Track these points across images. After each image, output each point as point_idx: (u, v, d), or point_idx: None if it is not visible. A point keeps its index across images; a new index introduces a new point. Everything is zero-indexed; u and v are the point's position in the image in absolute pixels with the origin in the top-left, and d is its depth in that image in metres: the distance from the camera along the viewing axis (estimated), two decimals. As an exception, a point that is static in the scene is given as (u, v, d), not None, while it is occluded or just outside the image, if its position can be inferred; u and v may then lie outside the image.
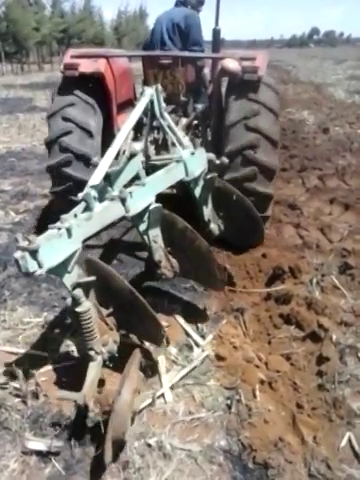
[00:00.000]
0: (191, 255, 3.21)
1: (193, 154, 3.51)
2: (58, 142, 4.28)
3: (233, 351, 3.07)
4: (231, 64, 3.98)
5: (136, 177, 3.23)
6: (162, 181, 3.23)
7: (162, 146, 4.55)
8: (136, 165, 3.77)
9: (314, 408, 2.76)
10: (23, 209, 5.82)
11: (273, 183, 4.26)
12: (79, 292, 2.41)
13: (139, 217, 3.00)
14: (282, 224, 5.07)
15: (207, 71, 5.04)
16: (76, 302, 2.38)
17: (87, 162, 4.20)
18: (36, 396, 2.77)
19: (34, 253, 2.22)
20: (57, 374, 2.97)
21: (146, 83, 4.80)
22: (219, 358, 3.06)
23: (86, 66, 4.26)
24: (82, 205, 2.77)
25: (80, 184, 4.02)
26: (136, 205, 2.90)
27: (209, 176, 3.63)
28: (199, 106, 4.89)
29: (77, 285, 2.45)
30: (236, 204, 3.71)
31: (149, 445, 2.45)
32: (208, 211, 3.83)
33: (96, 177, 2.96)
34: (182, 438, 2.52)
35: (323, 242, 4.68)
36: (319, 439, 2.54)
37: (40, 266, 2.25)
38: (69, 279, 2.48)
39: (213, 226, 3.92)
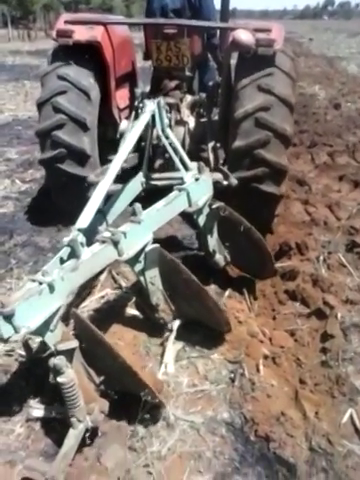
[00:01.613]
0: (191, 301, 2.89)
1: (197, 180, 3.12)
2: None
3: (237, 325, 3.07)
4: (244, 36, 3.52)
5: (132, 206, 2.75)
6: (161, 216, 2.85)
7: (164, 164, 4.13)
8: (135, 189, 3.56)
9: (317, 384, 2.78)
10: (29, 178, 5.79)
11: (284, 183, 3.92)
12: (61, 360, 2.11)
13: (134, 258, 2.65)
14: (290, 200, 5.02)
15: (217, 42, 4.69)
16: (57, 372, 2.11)
17: (83, 126, 3.88)
18: (40, 363, 2.79)
19: (9, 318, 1.94)
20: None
21: (148, 55, 4.49)
22: (223, 332, 3.06)
23: (81, 33, 3.80)
24: (67, 250, 2.44)
25: (73, 153, 3.90)
26: (130, 247, 2.55)
27: (215, 206, 3.21)
28: (209, 82, 4.58)
29: (59, 353, 2.17)
30: (244, 235, 3.26)
31: (151, 416, 2.48)
32: (213, 241, 3.40)
33: (85, 216, 2.61)
34: (185, 409, 2.54)
35: (331, 219, 4.64)
36: (321, 415, 2.56)
37: (16, 331, 1.99)
38: (52, 339, 2.22)
39: (218, 257, 3.49)
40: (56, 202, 4.32)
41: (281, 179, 3.82)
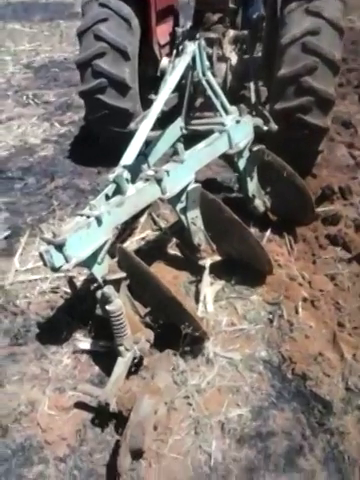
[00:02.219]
0: (234, 241, 2.90)
1: (238, 122, 3.07)
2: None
3: (277, 268, 3.07)
4: None
5: (174, 146, 2.78)
6: (202, 156, 2.88)
7: (204, 108, 3.94)
8: (174, 133, 3.47)
9: (355, 327, 2.78)
10: (68, 121, 5.78)
11: (330, 116, 3.73)
12: (109, 289, 2.22)
13: (177, 198, 2.70)
14: (334, 143, 4.82)
15: None
16: (106, 300, 2.22)
17: (124, 55, 3.84)
18: (84, 300, 2.91)
19: (60, 247, 2.04)
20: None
21: None
22: (262, 275, 3.08)
23: None
24: (112, 187, 2.51)
25: (113, 83, 3.86)
26: (173, 186, 2.60)
27: (256, 148, 3.17)
28: (253, 15, 4.33)
29: (107, 282, 2.29)
30: (286, 181, 3.20)
31: (192, 351, 2.57)
32: (253, 186, 3.35)
33: (129, 154, 2.65)
34: (224, 347, 2.62)
35: (377, 163, 4.44)
36: (358, 356, 2.59)
37: (67, 261, 2.08)
38: (100, 271, 2.32)
39: (258, 202, 3.42)
40: (96, 136, 4.32)
41: (328, 110, 3.63)
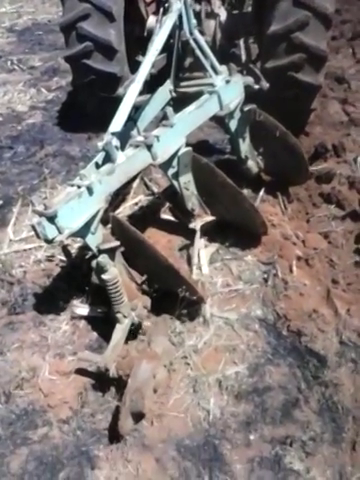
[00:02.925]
0: (227, 204, 2.90)
1: (228, 82, 3.01)
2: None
3: (271, 228, 3.07)
4: None
5: (164, 110, 2.76)
6: (193, 119, 2.82)
7: (193, 68, 3.84)
8: (164, 97, 3.38)
9: (349, 284, 2.82)
10: (55, 86, 5.63)
11: (322, 73, 3.68)
12: (104, 259, 2.24)
13: (168, 163, 2.67)
14: (327, 99, 4.71)
15: None
16: (102, 269, 2.25)
17: (109, 16, 3.69)
18: (80, 267, 2.92)
19: (52, 219, 2.04)
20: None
21: None
22: (256, 235, 3.08)
23: None
24: (102, 155, 2.48)
25: (99, 46, 3.73)
26: (164, 151, 2.56)
27: (247, 108, 3.10)
28: None
29: (102, 251, 2.30)
30: (279, 140, 3.15)
31: (188, 313, 2.60)
32: (245, 147, 3.31)
33: (118, 120, 2.58)
34: (220, 307, 2.66)
35: (371, 119, 4.38)
36: (352, 311, 2.63)
37: (60, 232, 2.09)
38: (94, 241, 2.33)
39: (251, 163, 3.38)
40: (83, 103, 4.23)
41: (320, 67, 3.58)
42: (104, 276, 2.25)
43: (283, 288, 2.71)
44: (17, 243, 3.27)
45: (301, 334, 2.49)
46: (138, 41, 4.14)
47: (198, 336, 2.51)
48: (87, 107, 4.18)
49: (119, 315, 2.35)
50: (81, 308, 2.71)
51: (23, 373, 2.41)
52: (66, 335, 2.63)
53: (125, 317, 2.37)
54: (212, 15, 4.15)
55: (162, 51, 3.19)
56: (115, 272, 2.27)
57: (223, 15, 4.23)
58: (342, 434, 2.13)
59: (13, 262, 3.08)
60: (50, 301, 2.78)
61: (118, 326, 2.37)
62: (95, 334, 2.63)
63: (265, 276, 2.80)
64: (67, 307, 2.75)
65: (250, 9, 4.29)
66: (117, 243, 2.35)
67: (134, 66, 3.88)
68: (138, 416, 2.12)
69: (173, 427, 2.18)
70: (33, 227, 2.08)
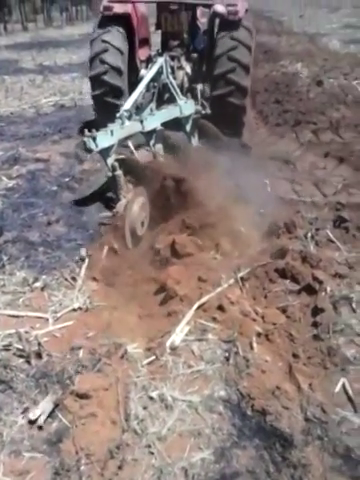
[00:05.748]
0: None
1: (186, 102, 5.03)
2: (98, 57, 5.92)
3: (230, 306, 3.13)
4: (220, 8, 5.53)
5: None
6: (165, 114, 4.81)
7: (163, 100, 5.76)
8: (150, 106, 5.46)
9: (310, 357, 2.86)
10: (16, 174, 5.76)
11: (247, 98, 5.83)
12: (115, 164, 4.02)
13: (150, 134, 4.58)
14: (276, 179, 5.06)
15: (204, 20, 6.59)
16: (114, 169, 4.02)
17: (119, 72, 5.93)
18: (39, 356, 2.85)
19: (94, 138, 3.74)
20: (58, 334, 3.05)
21: (158, 25, 6.25)
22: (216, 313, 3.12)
23: (118, 8, 5.92)
24: (119, 121, 4.18)
25: (113, 89, 5.98)
26: (149, 125, 4.48)
27: (195, 116, 5.16)
28: (200, 44, 6.33)
29: (114, 167, 4.05)
30: (213, 135, 5.31)
31: (151, 398, 2.54)
32: (195, 141, 5.28)
33: (127, 105, 4.52)
34: (183, 390, 2.61)
35: (317, 196, 4.69)
36: (315, 386, 2.65)
37: (96, 146, 3.77)
38: (109, 160, 4.03)
39: (194, 141, 5.39)
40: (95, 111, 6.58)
41: (244, 95, 5.75)
42: (115, 173, 4.03)
43: (245, 366, 2.71)
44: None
45: (266, 413, 2.46)
46: (134, 83, 5.77)
47: (161, 422, 2.43)
48: (96, 116, 6.47)
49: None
50: (38, 410, 2.56)
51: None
52: (23, 430, 2.49)
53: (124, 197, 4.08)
54: (181, 68, 6.20)
55: (148, 90, 5.31)
56: (120, 173, 4.05)
57: (188, 69, 6.31)
58: None
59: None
60: (6, 394, 2.66)
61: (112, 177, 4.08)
62: (54, 426, 2.50)
63: (226, 355, 2.80)
64: (24, 399, 2.62)
65: (204, 68, 6.35)
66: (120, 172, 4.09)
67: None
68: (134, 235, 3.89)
69: None
70: (83, 141, 3.72)
